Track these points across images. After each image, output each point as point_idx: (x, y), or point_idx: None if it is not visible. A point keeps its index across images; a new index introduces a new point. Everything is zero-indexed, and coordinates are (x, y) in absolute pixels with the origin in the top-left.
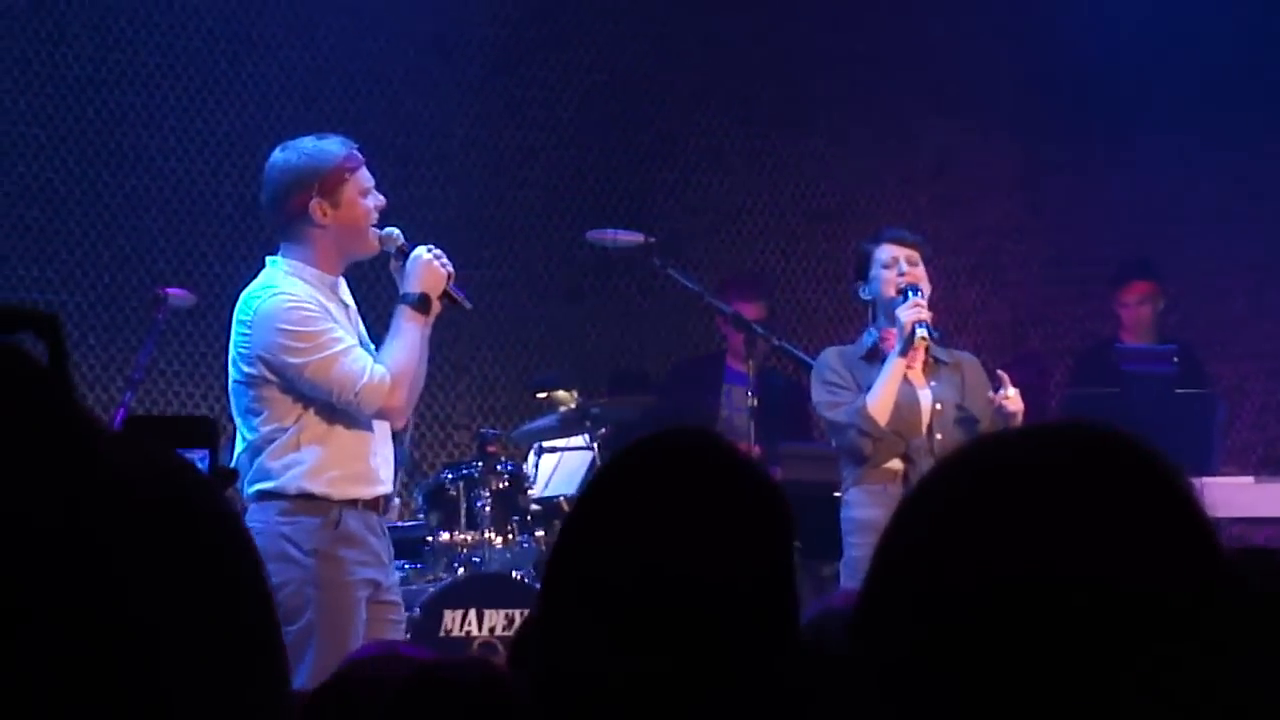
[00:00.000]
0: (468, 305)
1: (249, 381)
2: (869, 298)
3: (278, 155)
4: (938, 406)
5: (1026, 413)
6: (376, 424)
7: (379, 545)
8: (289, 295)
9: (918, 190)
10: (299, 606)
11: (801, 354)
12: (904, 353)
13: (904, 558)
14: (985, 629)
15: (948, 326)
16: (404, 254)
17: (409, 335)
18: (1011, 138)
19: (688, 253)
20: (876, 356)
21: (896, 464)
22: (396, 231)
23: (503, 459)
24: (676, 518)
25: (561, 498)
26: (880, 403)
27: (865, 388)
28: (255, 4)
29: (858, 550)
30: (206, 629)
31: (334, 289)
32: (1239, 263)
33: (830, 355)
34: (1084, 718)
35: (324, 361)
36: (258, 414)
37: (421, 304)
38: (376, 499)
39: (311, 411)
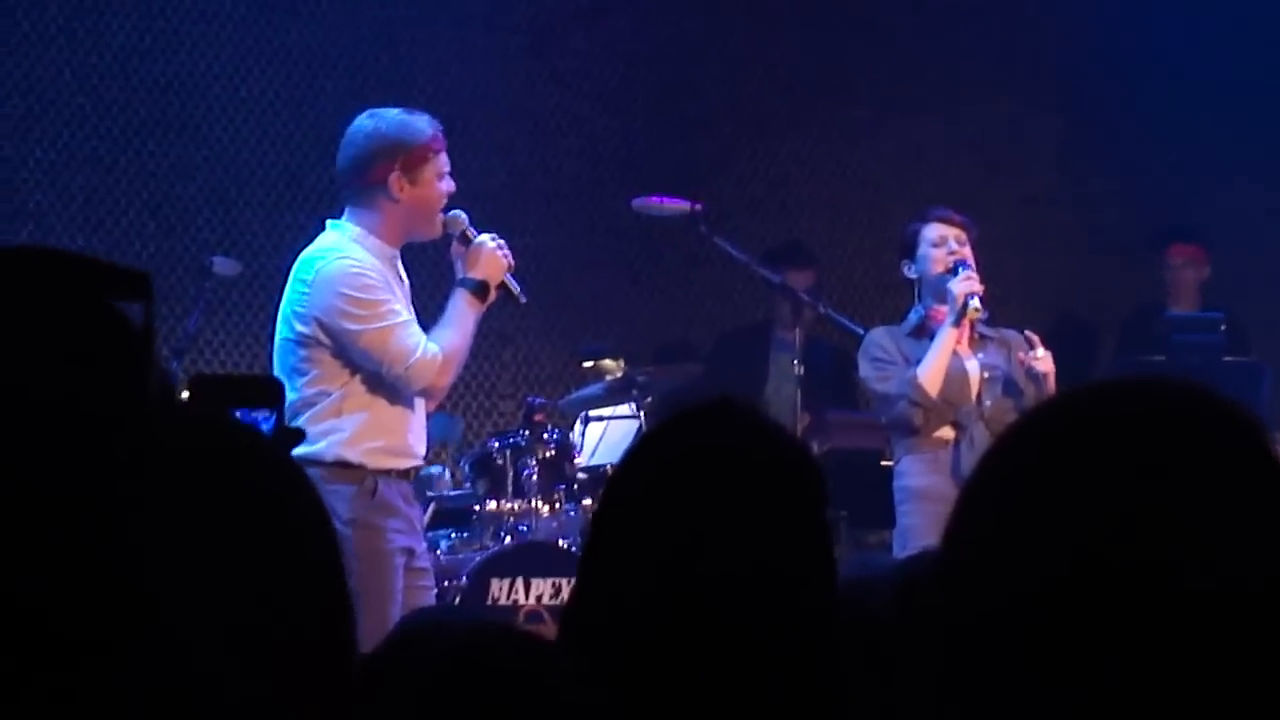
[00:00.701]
0: (522, 299)
1: (301, 340)
2: (915, 275)
3: (365, 121)
4: (986, 375)
5: (1073, 381)
6: (417, 400)
7: (412, 513)
8: (354, 261)
9: (961, 159)
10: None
11: (848, 322)
12: (956, 324)
13: (987, 526)
14: (1078, 597)
15: (993, 295)
16: (468, 240)
17: (464, 319)
18: (1057, 106)
19: (733, 221)
20: (923, 333)
21: (948, 431)
22: (463, 216)
23: (549, 427)
24: (713, 489)
25: (608, 466)
26: (932, 373)
27: (913, 362)
28: None
29: (910, 518)
30: (277, 578)
31: (393, 262)
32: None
33: (877, 333)
34: (1180, 691)
35: (381, 332)
36: (304, 374)
37: (480, 290)
38: (408, 470)
39: (358, 379)
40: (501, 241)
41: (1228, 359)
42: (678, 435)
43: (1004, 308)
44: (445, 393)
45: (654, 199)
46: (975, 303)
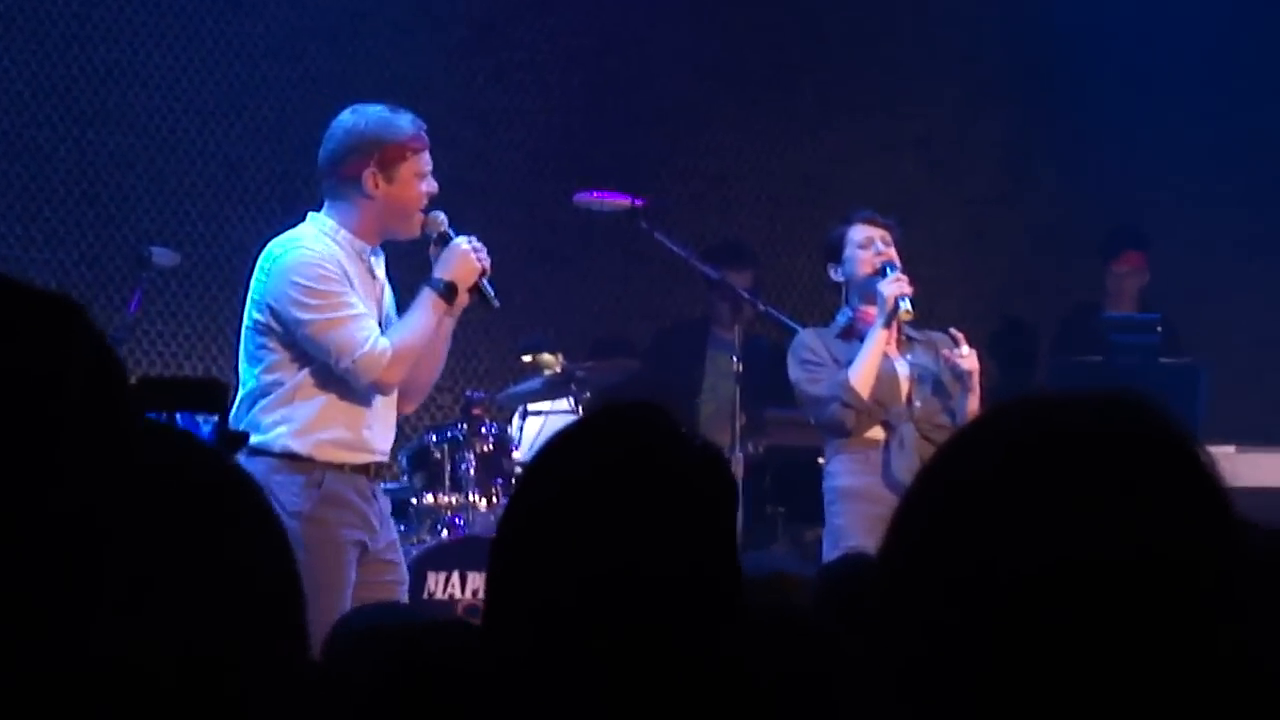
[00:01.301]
0: (495, 304)
1: (258, 328)
2: (842, 278)
3: (346, 117)
4: (915, 376)
5: (1014, 380)
6: (380, 396)
7: (366, 508)
8: (311, 251)
9: (904, 157)
10: None
11: (788, 320)
12: (886, 325)
13: (926, 536)
14: (1019, 607)
15: (934, 294)
16: (445, 240)
17: (422, 317)
18: (998, 106)
19: (674, 217)
20: (853, 334)
21: (878, 432)
22: (442, 216)
23: (487, 421)
24: (619, 493)
25: None
26: (863, 374)
27: (843, 364)
28: None
29: (840, 519)
30: (234, 595)
31: (365, 258)
32: (1222, 232)
33: (806, 335)
34: (1123, 694)
35: (328, 323)
36: (259, 361)
37: (446, 291)
38: (366, 465)
39: (310, 370)
40: (479, 245)
41: (1164, 360)
42: (593, 437)
43: (944, 305)
44: (422, 392)
45: (595, 194)
46: (906, 304)
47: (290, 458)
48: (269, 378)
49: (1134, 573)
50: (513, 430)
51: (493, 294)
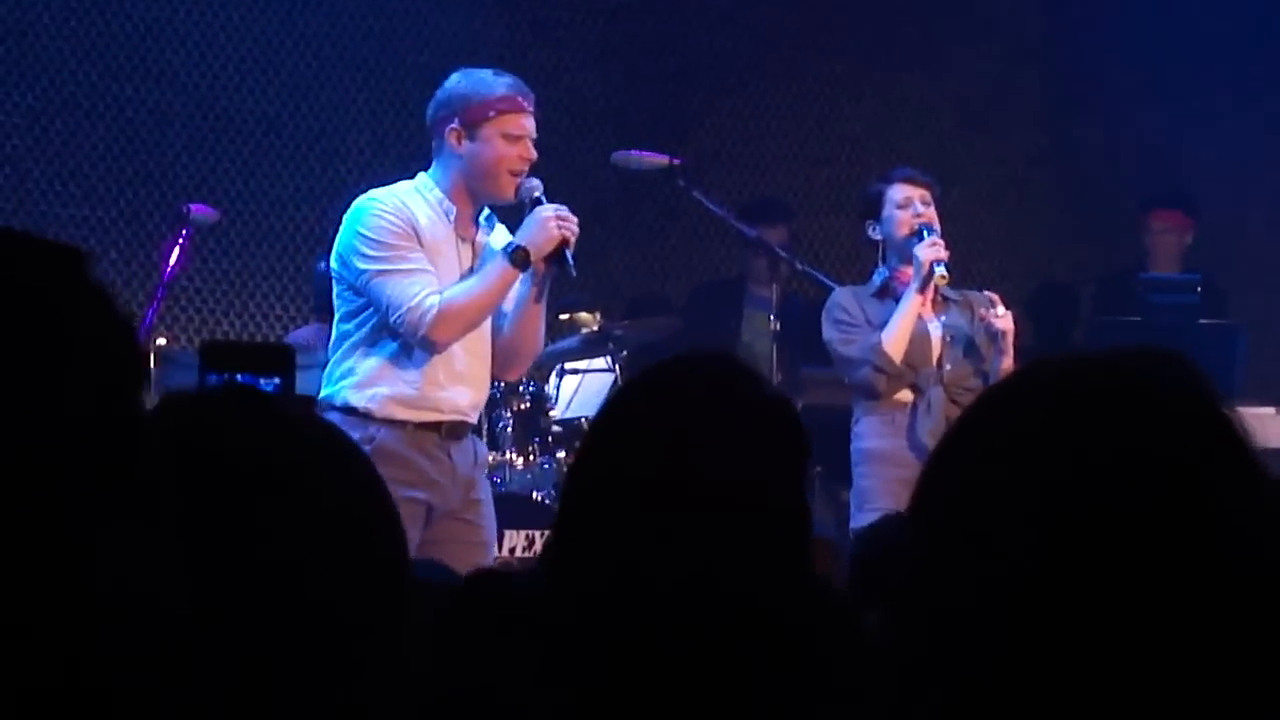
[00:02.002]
0: (572, 273)
1: (335, 277)
2: (880, 237)
3: (451, 77)
4: (948, 338)
5: (1051, 341)
6: (459, 352)
7: (430, 467)
8: (379, 204)
9: (942, 116)
10: None
11: (825, 278)
12: (921, 289)
13: (957, 492)
14: (1050, 564)
15: (972, 254)
16: (535, 206)
17: (483, 281)
18: (1038, 67)
19: (712, 176)
20: (888, 294)
21: (906, 394)
22: (536, 184)
23: (524, 380)
24: (693, 438)
25: (583, 419)
26: (896, 339)
27: (877, 325)
28: None
29: (867, 480)
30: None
31: (455, 220)
32: (1262, 194)
33: (841, 295)
34: (1155, 650)
35: (382, 274)
36: (338, 311)
37: (516, 257)
38: (436, 424)
39: (375, 324)
40: (566, 214)
41: (1203, 321)
42: (662, 382)
43: (982, 265)
44: (525, 359)
45: (633, 152)
46: (941, 270)
47: (348, 411)
48: (342, 328)
49: (1165, 530)
50: (549, 389)
51: (572, 264)
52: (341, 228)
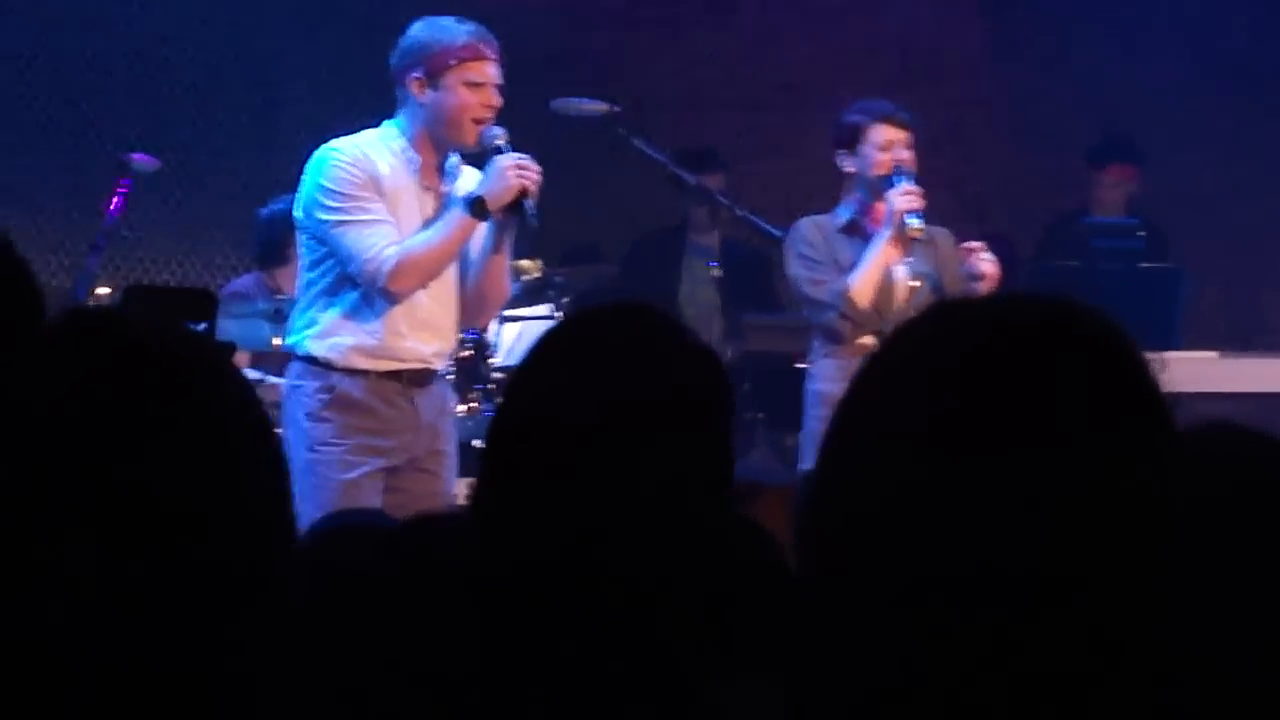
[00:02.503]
0: (533, 223)
1: (299, 226)
2: (853, 170)
3: (412, 25)
4: (914, 283)
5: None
6: (423, 299)
7: (393, 413)
8: (340, 153)
9: (883, 61)
10: (298, 467)
11: (765, 225)
12: (892, 237)
13: (857, 433)
14: (936, 498)
15: None
16: (495, 155)
17: (441, 230)
18: (980, 9)
19: (651, 122)
20: (856, 231)
21: (869, 339)
22: (498, 132)
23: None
24: (611, 390)
25: None
26: (863, 286)
27: (843, 264)
28: None
29: (817, 423)
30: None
31: (419, 170)
32: (1207, 137)
33: (807, 226)
34: (1048, 594)
35: (343, 226)
36: (302, 260)
37: (473, 207)
38: (397, 372)
39: (337, 274)
40: (526, 163)
41: (1145, 265)
42: (584, 331)
43: (926, 211)
44: (494, 306)
45: (573, 100)
46: (915, 221)
47: (310, 360)
48: (306, 277)
49: (1070, 476)
50: (491, 336)
51: (531, 212)
52: (304, 177)
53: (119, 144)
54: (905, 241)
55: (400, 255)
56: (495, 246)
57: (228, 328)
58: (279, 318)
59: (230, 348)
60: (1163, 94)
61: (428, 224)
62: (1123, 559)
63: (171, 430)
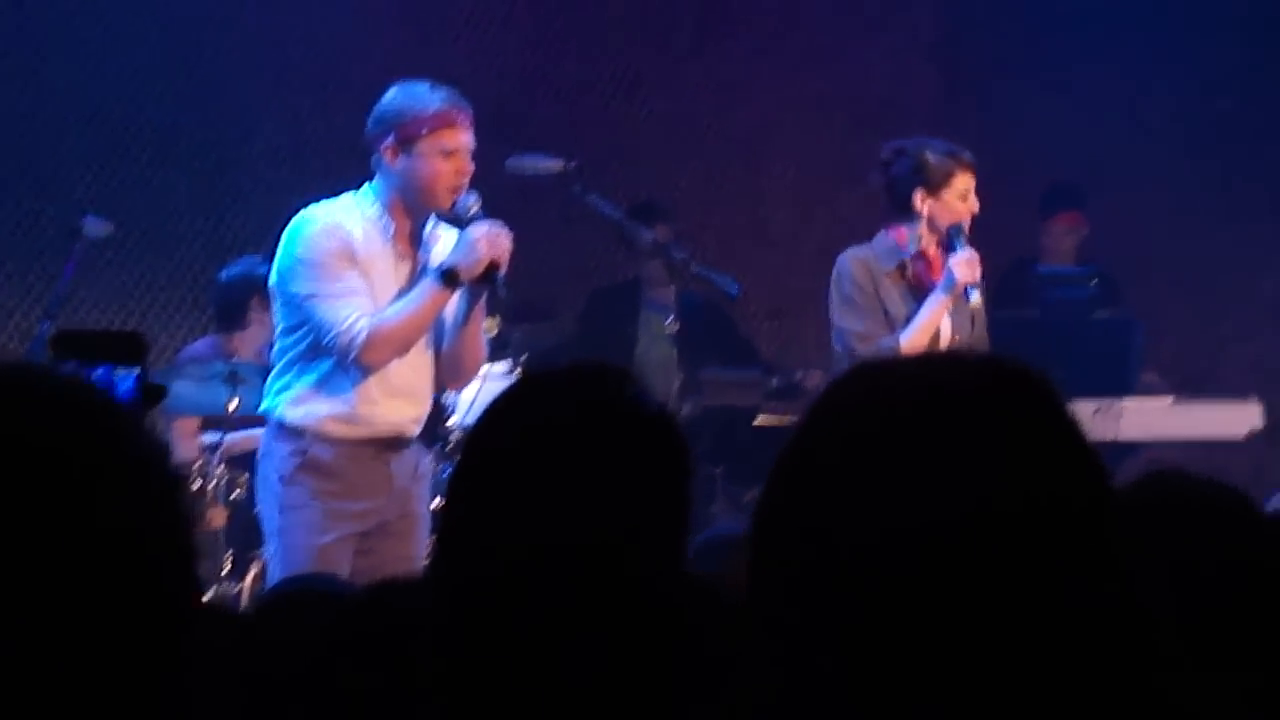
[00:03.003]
0: (502, 293)
1: (274, 293)
2: (926, 213)
3: (388, 92)
4: (956, 337)
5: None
6: (397, 366)
7: (365, 478)
8: (317, 222)
9: (837, 112)
10: (270, 530)
11: (721, 280)
12: (946, 301)
13: (791, 498)
14: (871, 564)
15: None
16: (470, 223)
17: (413, 302)
18: (930, 61)
19: (607, 180)
20: (905, 279)
21: None
22: (471, 201)
23: None
24: (567, 455)
25: None
26: (915, 348)
27: (891, 313)
28: None
29: None
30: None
31: (393, 237)
32: (1160, 183)
33: (854, 266)
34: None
35: (314, 297)
36: (278, 326)
37: (444, 278)
38: (369, 440)
39: (311, 341)
40: (499, 232)
41: (1100, 314)
42: (544, 391)
43: None
44: (468, 374)
45: (527, 158)
46: (976, 297)
47: (283, 426)
48: (282, 343)
49: (998, 527)
50: (449, 395)
51: (500, 283)
52: (280, 246)
53: (72, 208)
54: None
55: (373, 328)
56: (469, 313)
57: (183, 391)
58: (235, 380)
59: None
60: (1113, 143)
61: (403, 292)
62: (1049, 618)
63: (49, 476)
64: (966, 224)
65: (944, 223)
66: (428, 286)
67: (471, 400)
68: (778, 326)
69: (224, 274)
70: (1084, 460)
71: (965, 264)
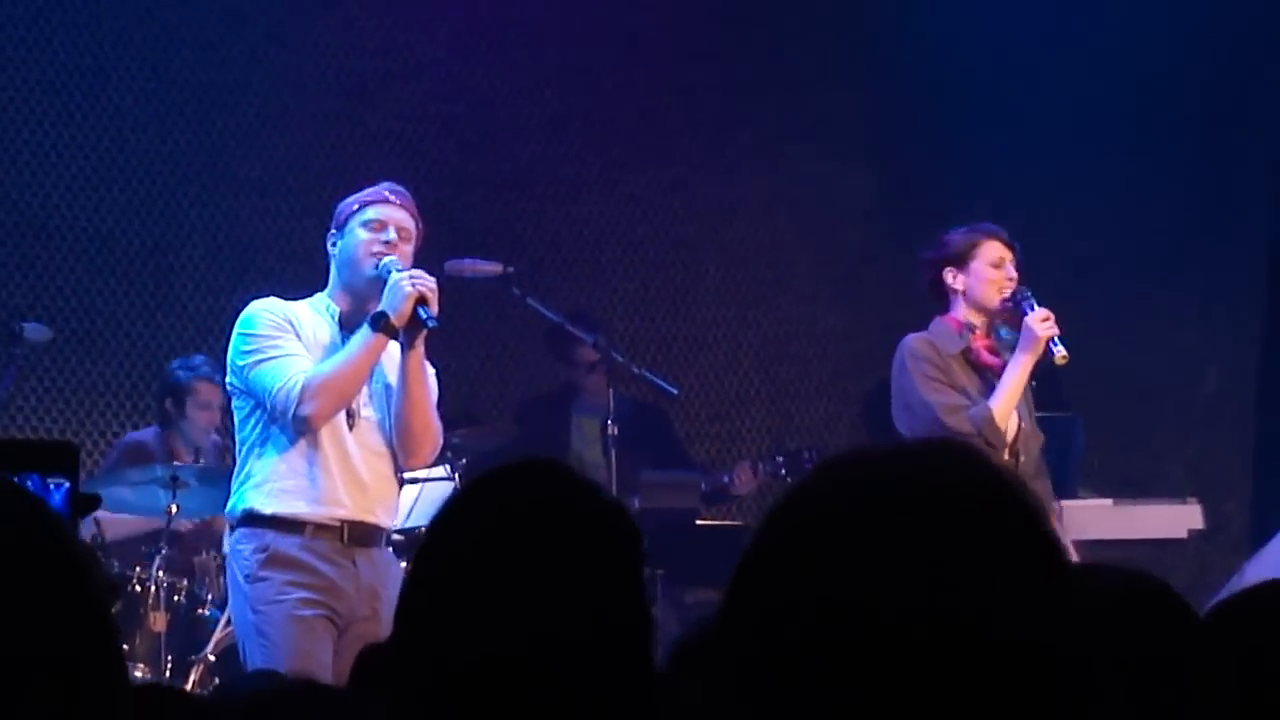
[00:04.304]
0: (431, 324)
1: (231, 391)
2: (961, 288)
3: None
4: (1022, 424)
5: (885, 443)
6: (357, 449)
7: (331, 572)
8: (258, 303)
9: (776, 217)
10: (244, 632)
11: (662, 382)
12: (1028, 360)
13: (755, 577)
14: (824, 654)
15: (810, 353)
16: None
17: (350, 350)
18: (871, 163)
19: (546, 283)
20: (968, 362)
21: (1008, 458)
22: (392, 259)
23: None
24: (522, 549)
25: (422, 528)
26: (1005, 409)
27: (969, 390)
28: (110, 35)
29: None
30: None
31: (336, 318)
32: (1098, 287)
33: (922, 346)
34: None
35: (256, 363)
36: (238, 422)
37: (376, 321)
38: (334, 527)
39: (264, 419)
40: (418, 274)
41: (1041, 414)
42: (495, 490)
43: (820, 365)
44: (418, 439)
45: (467, 261)
46: (1061, 350)
47: (249, 518)
48: (241, 436)
49: (959, 623)
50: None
51: (427, 315)
52: (233, 338)
53: (11, 314)
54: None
55: (308, 378)
56: (408, 369)
57: (123, 495)
58: (175, 484)
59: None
60: (1052, 245)
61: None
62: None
63: None
64: (1029, 292)
65: (988, 297)
66: (361, 334)
67: (412, 503)
68: (719, 428)
69: (168, 367)
70: (1045, 562)
71: (1042, 321)
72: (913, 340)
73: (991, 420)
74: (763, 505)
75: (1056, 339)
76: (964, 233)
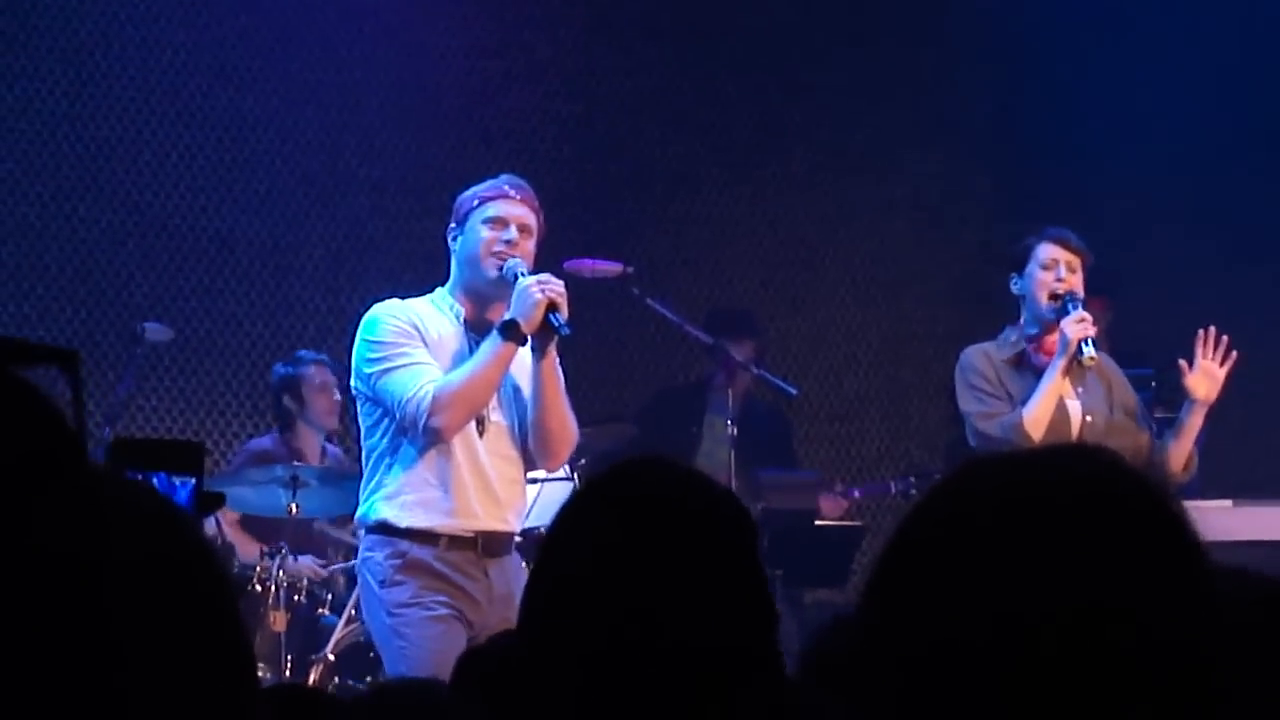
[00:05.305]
0: (563, 331)
1: (357, 396)
2: (1020, 293)
3: None
4: (1088, 419)
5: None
6: (487, 456)
7: (466, 583)
8: (382, 308)
9: (895, 219)
10: (381, 637)
11: (781, 383)
12: (1066, 366)
13: (900, 594)
14: (982, 660)
15: (931, 353)
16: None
17: (480, 359)
18: (989, 166)
19: (667, 281)
20: (1024, 364)
21: None
22: (517, 262)
23: None
24: (640, 544)
25: (542, 528)
26: (1038, 418)
27: (1015, 396)
28: (230, 37)
29: None
30: (175, 650)
31: (460, 318)
32: (1214, 283)
33: (976, 356)
34: None
35: (386, 374)
36: (364, 429)
37: (506, 329)
38: (470, 538)
39: (394, 429)
40: (546, 278)
41: (1159, 415)
42: (612, 490)
43: (939, 365)
44: (556, 442)
45: (586, 261)
46: (1090, 350)
47: (381, 527)
48: (368, 444)
49: (1107, 629)
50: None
51: (559, 323)
52: (356, 344)
53: (133, 314)
54: (1079, 370)
55: (439, 389)
56: (542, 375)
57: (244, 494)
58: (295, 484)
59: (219, 499)
60: (1168, 242)
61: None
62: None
63: (109, 584)
64: (1080, 297)
65: (1037, 299)
66: (491, 342)
67: (531, 503)
68: (837, 429)
69: (275, 370)
70: (1188, 566)
71: (1075, 323)
72: (966, 351)
73: (1018, 426)
74: (882, 507)
75: (1089, 340)
76: (1023, 236)
